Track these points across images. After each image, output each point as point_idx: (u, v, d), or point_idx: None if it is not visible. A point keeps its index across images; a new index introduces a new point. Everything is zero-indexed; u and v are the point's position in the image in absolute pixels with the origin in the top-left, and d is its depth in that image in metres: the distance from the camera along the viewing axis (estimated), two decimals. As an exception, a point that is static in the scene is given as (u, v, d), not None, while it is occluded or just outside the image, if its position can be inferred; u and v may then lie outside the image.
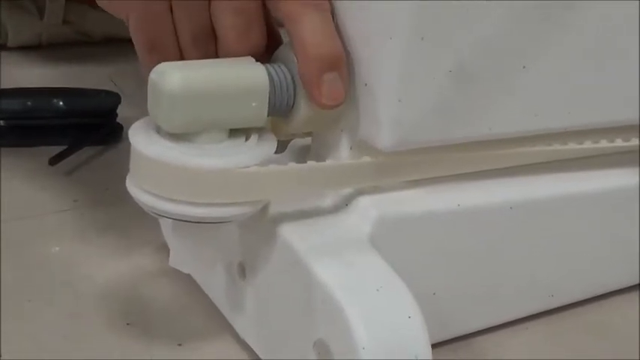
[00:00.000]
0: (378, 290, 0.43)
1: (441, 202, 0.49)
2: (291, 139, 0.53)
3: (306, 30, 0.46)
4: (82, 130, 0.71)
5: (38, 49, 0.87)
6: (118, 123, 0.72)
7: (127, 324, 0.53)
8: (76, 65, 0.84)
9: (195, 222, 0.45)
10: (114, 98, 0.73)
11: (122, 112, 0.73)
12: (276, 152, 0.48)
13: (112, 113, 0.72)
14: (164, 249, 0.57)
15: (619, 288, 0.58)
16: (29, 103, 0.70)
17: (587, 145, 0.53)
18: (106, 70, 0.83)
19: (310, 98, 0.46)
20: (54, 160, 0.67)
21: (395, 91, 0.45)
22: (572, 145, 0.53)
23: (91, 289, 0.55)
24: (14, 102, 0.70)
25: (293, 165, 0.46)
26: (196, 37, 0.48)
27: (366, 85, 0.46)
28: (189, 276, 0.55)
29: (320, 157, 0.48)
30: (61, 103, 0.71)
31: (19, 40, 0.85)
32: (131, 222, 0.60)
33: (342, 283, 0.43)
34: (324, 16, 0.46)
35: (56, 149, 0.68)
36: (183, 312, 0.54)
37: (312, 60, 0.45)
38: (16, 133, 0.70)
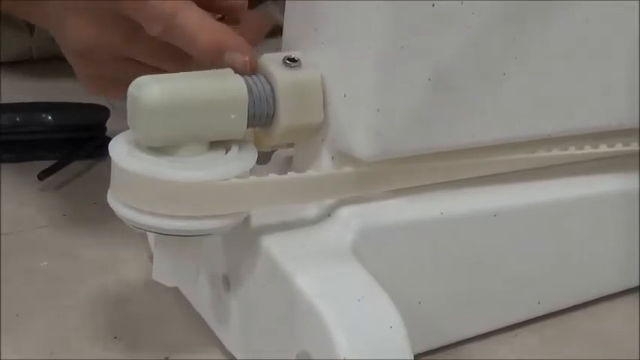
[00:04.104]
0: (359, 300, 0.43)
1: (423, 211, 0.49)
2: (275, 151, 0.53)
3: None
4: (71, 145, 0.70)
5: (28, 63, 0.87)
6: (107, 137, 0.72)
7: (115, 337, 0.53)
8: (66, 79, 0.83)
9: (177, 235, 0.45)
10: (103, 112, 0.72)
11: (111, 126, 0.72)
12: (259, 163, 0.48)
13: (101, 127, 0.72)
14: (151, 262, 0.57)
15: (606, 294, 0.58)
16: (18, 118, 0.70)
17: (571, 151, 0.53)
18: (95, 84, 0.82)
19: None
20: (43, 175, 0.67)
21: (374, 101, 0.45)
22: (555, 152, 0.52)
23: (78, 303, 0.55)
24: (3, 117, 0.70)
25: (273, 176, 0.46)
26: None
27: (345, 95, 0.46)
28: (176, 289, 0.55)
29: (302, 168, 0.48)
30: (49, 117, 0.70)
31: (9, 55, 0.85)
32: (119, 236, 0.60)
33: (324, 293, 0.43)
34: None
35: (45, 164, 0.68)
36: (170, 325, 0.54)
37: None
38: (4, 148, 0.70)
